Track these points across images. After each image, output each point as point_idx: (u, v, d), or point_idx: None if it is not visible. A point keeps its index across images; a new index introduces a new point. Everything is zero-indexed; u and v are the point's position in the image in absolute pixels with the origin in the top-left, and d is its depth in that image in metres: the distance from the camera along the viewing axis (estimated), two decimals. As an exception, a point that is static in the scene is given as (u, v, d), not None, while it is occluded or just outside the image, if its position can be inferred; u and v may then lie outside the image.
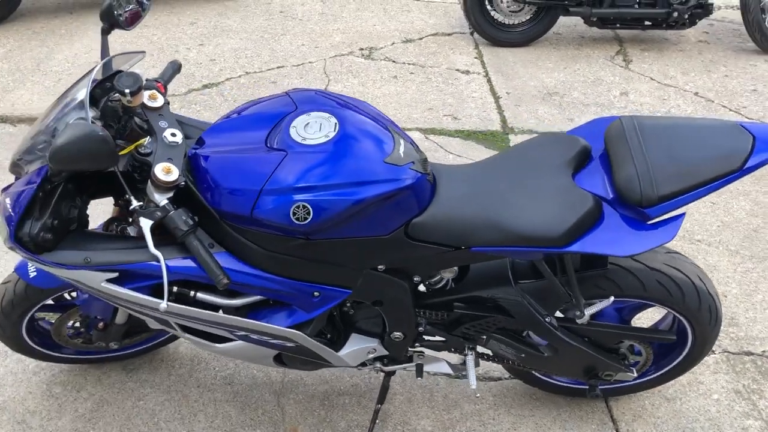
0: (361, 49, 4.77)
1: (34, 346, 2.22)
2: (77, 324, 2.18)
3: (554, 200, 1.69)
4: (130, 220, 1.78)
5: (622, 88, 4.37)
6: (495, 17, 4.78)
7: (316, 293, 1.76)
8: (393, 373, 2.15)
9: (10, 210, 1.62)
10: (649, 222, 1.63)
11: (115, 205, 1.89)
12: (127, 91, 1.69)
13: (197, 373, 2.41)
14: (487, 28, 4.77)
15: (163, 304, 1.63)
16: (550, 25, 4.80)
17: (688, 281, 1.89)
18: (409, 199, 1.67)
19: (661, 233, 1.60)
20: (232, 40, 4.82)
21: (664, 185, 1.60)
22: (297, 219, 1.59)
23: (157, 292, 1.74)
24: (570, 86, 4.38)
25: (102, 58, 1.92)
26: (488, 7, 4.74)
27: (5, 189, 1.72)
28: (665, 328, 2.09)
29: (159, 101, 1.77)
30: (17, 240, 1.62)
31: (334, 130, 1.66)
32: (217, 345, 1.92)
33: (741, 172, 1.59)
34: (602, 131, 1.84)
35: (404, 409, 2.30)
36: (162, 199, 1.60)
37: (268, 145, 1.67)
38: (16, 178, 1.81)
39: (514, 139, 3.77)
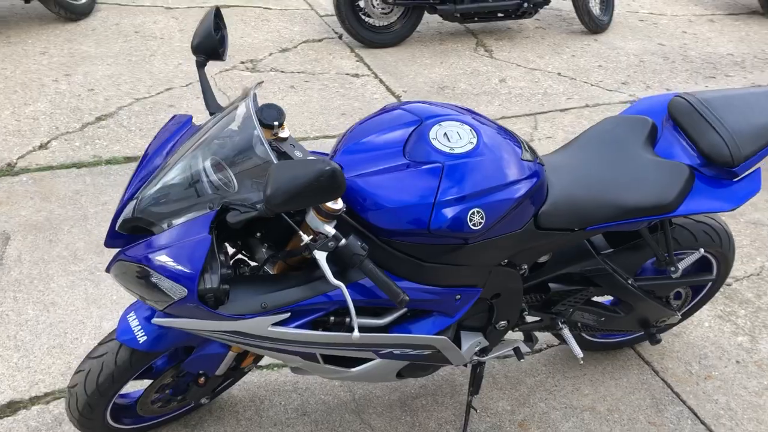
0: (242, 62, 4.67)
1: (113, 424, 2.00)
2: (164, 388, 2.00)
3: (652, 173, 1.92)
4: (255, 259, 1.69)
5: (498, 76, 4.78)
6: (367, 21, 4.93)
7: (457, 296, 1.83)
8: (484, 363, 2.26)
9: (182, 267, 1.48)
10: (736, 179, 1.93)
11: (233, 246, 1.78)
12: (275, 123, 1.63)
13: (266, 412, 2.31)
14: (361, 32, 4.92)
15: (356, 333, 1.60)
16: (417, 24, 5.07)
17: (721, 227, 2.24)
18: (541, 191, 1.80)
19: (750, 185, 1.91)
20: (99, 66, 4.45)
21: (746, 146, 1.90)
22: (473, 225, 1.65)
23: (315, 326, 1.70)
24: (454, 79, 4.70)
25: (204, 92, 1.81)
26: (360, 12, 4.88)
27: (134, 247, 1.55)
28: (699, 271, 2.42)
29: (286, 131, 1.72)
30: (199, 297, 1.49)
31: (474, 136, 1.73)
32: (351, 370, 1.90)
33: None
34: (654, 109, 2.11)
35: (478, 397, 2.41)
36: (331, 229, 1.56)
37: (410, 159, 1.69)
38: (127, 237, 1.65)
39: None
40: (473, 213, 1.65)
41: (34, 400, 2.29)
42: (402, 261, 1.71)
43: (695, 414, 2.43)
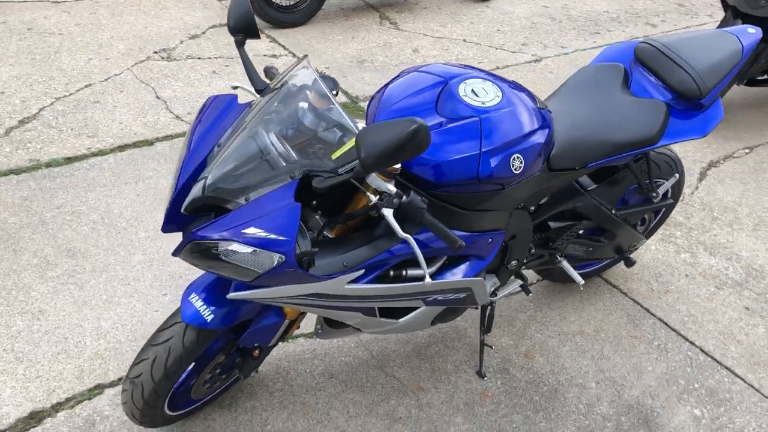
0: (155, 52, 4.55)
1: (168, 412, 2.03)
2: (216, 368, 2.04)
3: (635, 111, 2.19)
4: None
5: (410, 47, 4.97)
6: (274, 1, 4.95)
7: (490, 240, 2.01)
8: (495, 302, 2.46)
9: (276, 235, 1.55)
10: (702, 110, 2.24)
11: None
12: (334, 92, 1.71)
13: (294, 381, 2.40)
14: (271, 13, 4.93)
15: (428, 280, 1.74)
16: (323, 1, 5.14)
17: (676, 156, 2.57)
18: (553, 136, 2.02)
19: (716, 113, 2.22)
20: (1, 68, 4.18)
21: (709, 79, 2.21)
22: (515, 169, 1.83)
23: (381, 280, 1.82)
24: (370, 52, 4.84)
25: (247, 70, 1.85)
26: (268, -8, 4.90)
27: (209, 226, 1.59)
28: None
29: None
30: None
31: (498, 90, 1.90)
32: (399, 321, 2.03)
33: (743, 59, 2.28)
34: (620, 56, 2.38)
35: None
36: (393, 188, 1.68)
37: (444, 116, 1.84)
38: (182, 220, 1.67)
39: (364, 106, 4.11)
40: (514, 158, 1.82)
41: (57, 407, 2.24)
42: (446, 211, 1.86)
43: (665, 323, 2.77)
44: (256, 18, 5.04)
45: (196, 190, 1.66)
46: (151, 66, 4.36)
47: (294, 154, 1.64)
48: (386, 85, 2.00)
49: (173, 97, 4.03)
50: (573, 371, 2.53)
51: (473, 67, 2.02)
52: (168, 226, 1.74)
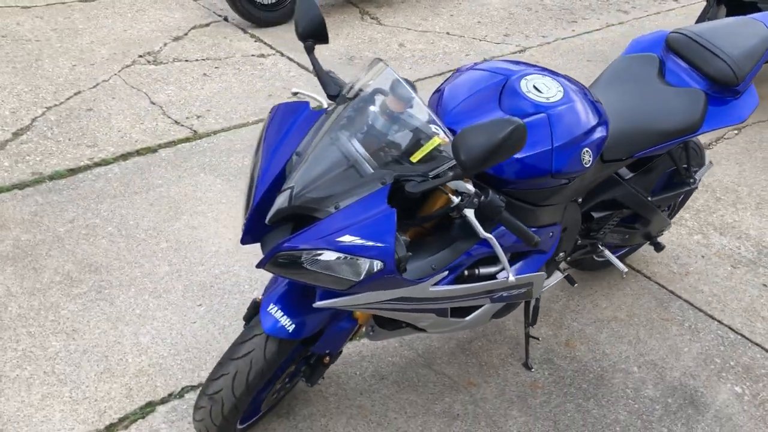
0: (140, 56, 4.44)
1: (239, 426, 2.00)
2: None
3: (676, 100, 2.24)
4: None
5: (395, 42, 4.97)
6: (258, 0, 4.88)
7: (551, 233, 2.04)
8: (540, 295, 2.48)
9: (374, 242, 1.54)
10: (738, 96, 2.31)
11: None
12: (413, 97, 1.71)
13: (347, 384, 2.39)
14: (253, 11, 4.86)
15: (512, 277, 1.75)
16: (305, -2, 5.08)
17: (700, 142, 2.64)
18: (608, 127, 2.05)
19: (751, 99, 2.29)
20: (-19, 78, 4.02)
21: (744, 66, 2.28)
22: (585, 163, 1.86)
23: (458, 281, 1.82)
24: (357, 48, 4.82)
25: (318, 76, 1.82)
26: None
27: (299, 236, 1.57)
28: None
29: None
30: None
31: (559, 85, 1.93)
32: (465, 319, 2.04)
33: None
34: (651, 46, 2.43)
35: (519, 328, 2.65)
36: (472, 187, 1.68)
37: (510, 113, 1.85)
38: (261, 232, 1.65)
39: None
40: (584, 153, 1.85)
41: (111, 429, 2.18)
42: (515, 207, 1.87)
43: (692, 304, 2.85)
44: (238, 17, 4.96)
45: (281, 201, 1.63)
46: (138, 70, 4.24)
47: (380, 160, 1.62)
48: (443, 86, 1.99)
49: (168, 102, 3.93)
50: (614, 357, 2.58)
51: (527, 63, 2.03)
52: (246, 237, 1.71)
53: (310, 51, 1.83)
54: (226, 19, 5.05)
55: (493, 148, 1.45)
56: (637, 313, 2.78)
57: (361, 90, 1.74)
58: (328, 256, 1.56)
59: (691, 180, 2.50)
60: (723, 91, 2.30)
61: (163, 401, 2.27)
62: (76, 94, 3.94)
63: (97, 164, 3.38)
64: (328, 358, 1.99)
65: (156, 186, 3.26)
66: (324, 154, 1.64)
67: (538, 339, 2.58)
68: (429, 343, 2.56)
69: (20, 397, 2.24)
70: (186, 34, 4.78)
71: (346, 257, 1.56)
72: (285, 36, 4.88)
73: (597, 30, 5.46)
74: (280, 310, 1.79)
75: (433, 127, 1.70)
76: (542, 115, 1.83)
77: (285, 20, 5.06)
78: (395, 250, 1.56)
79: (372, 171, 1.61)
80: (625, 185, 2.38)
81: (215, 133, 3.72)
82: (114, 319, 2.55)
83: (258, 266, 1.69)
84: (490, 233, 1.70)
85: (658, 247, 2.74)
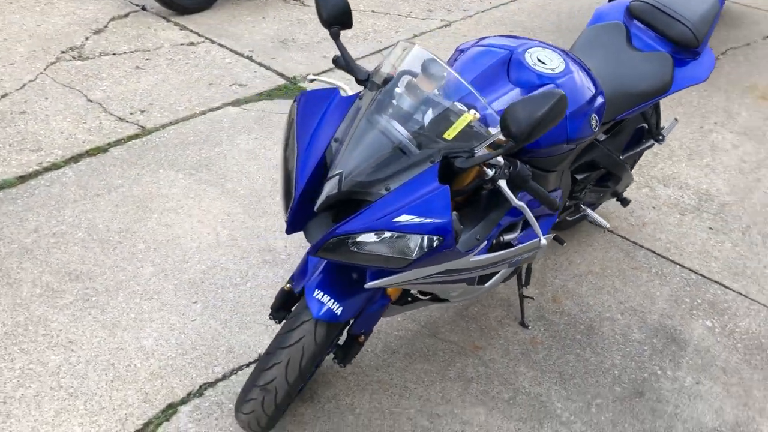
0: (63, 52, 4.21)
1: None
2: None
3: (648, 64, 2.42)
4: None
5: (324, 22, 4.96)
6: (178, -14, 4.73)
7: (557, 198, 2.17)
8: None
9: (432, 218, 1.60)
10: (697, 57, 2.51)
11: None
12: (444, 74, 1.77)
13: (362, 362, 2.45)
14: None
15: (543, 240, 1.86)
16: (225, -17, 4.98)
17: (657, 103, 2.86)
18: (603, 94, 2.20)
19: (710, 59, 2.50)
20: None
21: (702, 29, 2.48)
22: (594, 128, 1.99)
23: (490, 250, 1.92)
24: (288, 31, 4.78)
25: (346, 62, 1.83)
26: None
27: (352, 220, 1.61)
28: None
29: None
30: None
31: (559, 56, 2.05)
32: (485, 285, 2.15)
33: (720, 7, 2.56)
34: (614, 15, 2.59)
35: (508, 290, 2.79)
36: (501, 159, 1.78)
37: (518, 85, 1.96)
38: (303, 219, 1.68)
39: (308, 85, 4.10)
40: (592, 118, 1.98)
41: (137, 435, 2.13)
42: (534, 175, 1.98)
43: (654, 252, 3.09)
44: (158, 5, 4.79)
45: (330, 187, 1.65)
46: (66, 67, 4.03)
47: (420, 140, 1.67)
48: (451, 63, 2.06)
49: (106, 99, 3.77)
50: (598, 307, 2.77)
51: (523, 37, 2.14)
52: (291, 227, 1.73)
53: (336, 37, 1.84)
54: (144, 9, 4.86)
55: (541, 119, 1.55)
56: (609, 265, 2.99)
57: (389, 73, 1.78)
58: (387, 236, 1.61)
59: (660, 137, 2.70)
60: (685, 54, 2.50)
61: (184, 401, 2.25)
62: (2, 96, 3.70)
63: (48, 169, 3.21)
64: (362, 338, 2.03)
65: (116, 186, 3.14)
66: (367, 138, 1.68)
67: (532, 298, 2.73)
68: (429, 314, 2.65)
69: (32, 416, 2.15)
70: (106, 27, 4.57)
71: (403, 236, 1.61)
72: (210, 22, 4.77)
73: (512, 1, 5.66)
74: (326, 295, 1.81)
75: (459, 105, 1.76)
76: (551, 85, 1.94)
77: (207, 6, 4.93)
78: (452, 224, 1.62)
79: (418, 151, 1.66)
80: (601, 147, 2.55)
81: (164, 127, 3.61)
82: (110, 326, 2.47)
83: (310, 253, 1.71)
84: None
85: (625, 202, 2.95)
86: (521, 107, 1.56)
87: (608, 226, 2.67)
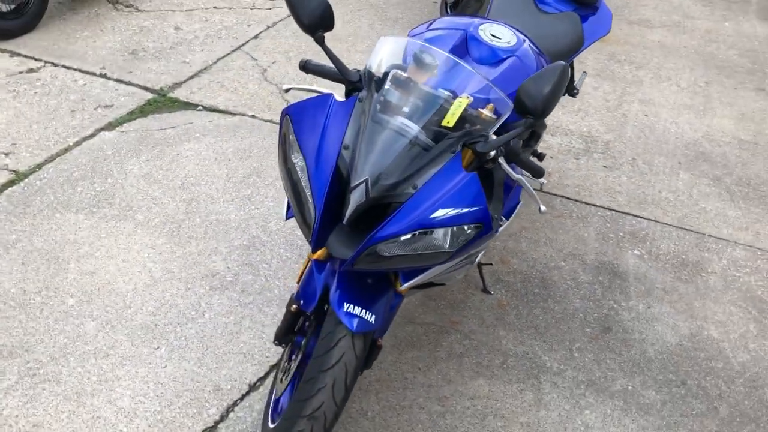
0: None
1: None
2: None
3: (560, 24, 2.57)
4: None
5: (168, 25, 4.68)
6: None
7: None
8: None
9: (469, 208, 1.62)
10: (597, 11, 2.70)
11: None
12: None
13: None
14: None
15: (543, 207, 1.94)
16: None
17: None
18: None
19: (607, 11, 2.70)
20: None
21: None
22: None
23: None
24: (135, 41, 4.45)
25: (336, 65, 1.76)
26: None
27: (387, 224, 1.62)
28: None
29: None
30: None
31: (509, 29, 2.12)
32: (475, 261, 2.20)
33: None
34: None
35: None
36: (494, 136, 1.84)
37: (480, 63, 2.02)
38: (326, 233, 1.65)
39: (176, 96, 3.88)
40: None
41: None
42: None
43: (568, 198, 3.32)
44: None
45: (358, 197, 1.60)
46: None
47: (430, 132, 1.67)
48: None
49: (-42, 146, 3.31)
50: (542, 259, 2.94)
51: (467, 15, 2.18)
52: (317, 245, 1.66)
53: (321, 42, 1.76)
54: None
55: (553, 92, 1.61)
56: (536, 219, 3.16)
57: (382, 70, 1.74)
58: (425, 233, 1.60)
59: (575, 90, 2.87)
60: (586, 10, 2.68)
61: (191, 454, 2.09)
62: None
63: None
64: (380, 340, 2.00)
65: (13, 243, 2.79)
66: (381, 140, 1.64)
67: (491, 264, 2.82)
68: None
69: None
70: None
71: (444, 231, 1.61)
72: (43, 44, 4.31)
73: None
74: (356, 306, 1.76)
75: (446, 92, 1.77)
76: (513, 58, 2.01)
77: (31, 26, 4.43)
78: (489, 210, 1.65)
79: (436, 144, 1.66)
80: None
81: (39, 167, 3.25)
82: (74, 396, 2.22)
83: (344, 268, 1.65)
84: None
85: (541, 157, 3.12)
86: (533, 84, 1.61)
87: (545, 182, 2.81)
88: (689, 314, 2.73)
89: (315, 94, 1.80)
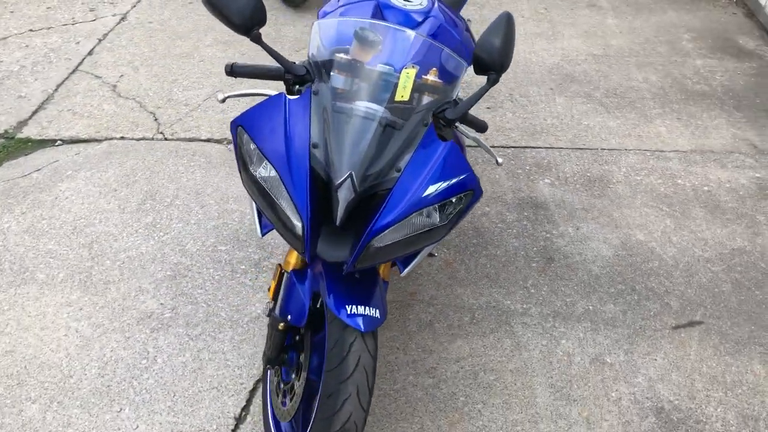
0: None
1: None
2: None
3: None
4: None
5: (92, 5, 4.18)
6: None
7: None
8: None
9: (462, 175, 1.60)
10: None
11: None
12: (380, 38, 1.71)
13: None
14: None
15: (500, 159, 1.96)
16: None
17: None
18: None
19: None
20: None
21: None
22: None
23: None
24: None
25: (280, 61, 1.65)
26: None
27: (382, 214, 1.57)
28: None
29: None
30: None
31: (420, -6, 2.09)
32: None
33: None
34: None
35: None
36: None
37: (389, 24, 1.99)
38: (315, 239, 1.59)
39: (28, 134, 3.49)
40: (471, 41, 2.07)
41: None
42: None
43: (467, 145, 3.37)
44: None
45: (346, 194, 1.52)
46: None
47: (395, 110, 1.61)
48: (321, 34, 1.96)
49: None
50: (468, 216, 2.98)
51: None
52: (310, 255, 1.56)
53: (258, 40, 1.62)
54: None
55: (509, 42, 1.61)
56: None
57: (327, 58, 1.64)
58: (425, 212, 1.55)
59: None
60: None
61: (204, 508, 1.93)
62: None
63: None
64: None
65: None
66: (352, 130, 1.56)
67: (428, 228, 2.81)
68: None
69: None
70: None
71: (436, 206, 1.57)
72: None
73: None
74: (359, 306, 1.69)
75: (386, 67, 1.72)
76: (431, 18, 1.98)
77: None
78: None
79: (406, 121, 1.60)
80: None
81: None
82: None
83: (347, 269, 1.57)
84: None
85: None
86: (486, 41, 1.59)
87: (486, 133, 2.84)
88: (613, 225, 2.89)
89: (261, 98, 1.67)
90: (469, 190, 1.61)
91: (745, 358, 2.35)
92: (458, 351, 2.37)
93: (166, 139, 3.43)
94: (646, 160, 3.26)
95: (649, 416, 2.17)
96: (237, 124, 1.62)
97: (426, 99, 1.70)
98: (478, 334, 2.43)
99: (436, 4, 2.06)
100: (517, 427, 2.14)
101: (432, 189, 1.56)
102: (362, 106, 1.60)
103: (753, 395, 2.24)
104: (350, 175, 1.52)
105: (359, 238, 1.56)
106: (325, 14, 2.00)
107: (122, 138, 3.44)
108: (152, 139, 3.43)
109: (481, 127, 1.92)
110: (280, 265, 1.92)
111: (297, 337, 1.88)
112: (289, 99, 1.63)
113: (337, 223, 1.54)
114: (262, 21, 1.65)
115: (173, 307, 2.53)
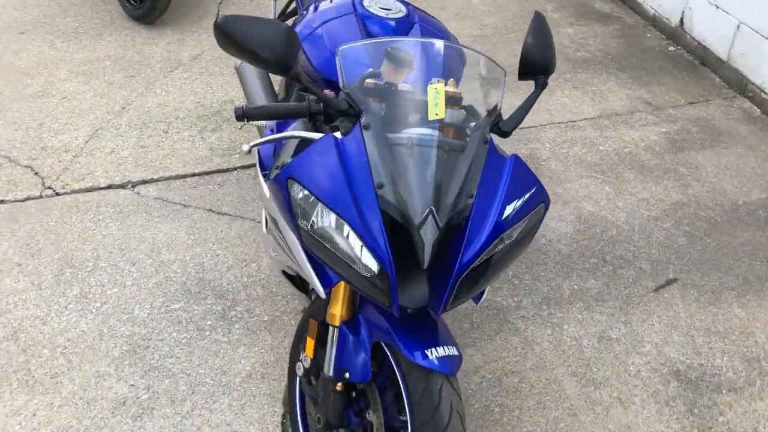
0: None
1: None
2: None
3: None
4: None
5: None
6: None
7: None
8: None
9: (527, 193, 1.54)
10: None
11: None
12: None
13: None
14: None
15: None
16: None
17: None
18: None
19: None
20: None
21: None
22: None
23: None
24: None
25: (319, 97, 1.45)
26: None
27: (468, 248, 1.45)
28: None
29: None
30: None
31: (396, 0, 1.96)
32: None
33: None
34: None
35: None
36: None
37: (372, 34, 1.87)
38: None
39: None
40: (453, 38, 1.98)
41: None
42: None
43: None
44: None
45: (431, 233, 1.39)
46: None
47: (449, 133, 1.50)
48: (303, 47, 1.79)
49: None
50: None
51: None
52: (398, 306, 1.41)
53: (299, 78, 1.39)
54: None
55: (547, 40, 1.56)
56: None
57: (362, 86, 1.47)
58: (508, 234, 1.45)
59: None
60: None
61: None
62: None
63: None
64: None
65: None
66: (415, 162, 1.42)
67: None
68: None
69: None
70: None
71: (518, 224, 1.48)
72: None
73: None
74: (437, 348, 1.55)
75: (408, 87, 1.59)
76: (416, 25, 1.87)
77: None
78: None
79: (464, 142, 1.48)
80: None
81: None
82: None
83: (440, 312, 1.43)
84: None
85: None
86: (531, 44, 1.52)
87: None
88: (561, 202, 2.95)
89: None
90: (541, 201, 1.53)
91: (725, 304, 2.50)
92: (473, 361, 2.29)
93: (57, 194, 2.99)
94: (563, 133, 3.35)
95: (671, 381, 2.23)
96: (287, 176, 1.40)
97: (470, 111, 1.59)
98: (483, 338, 2.37)
99: (413, 8, 1.94)
100: (560, 424, 2.11)
101: (509, 210, 1.45)
102: (415, 133, 1.45)
103: (746, 338, 2.38)
104: (431, 212, 1.37)
105: (444, 276, 1.41)
106: (303, 35, 1.80)
107: (2, 202, 2.95)
108: (41, 197, 2.97)
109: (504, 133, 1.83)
110: (312, 318, 1.72)
111: (353, 394, 1.70)
112: (340, 139, 1.43)
113: (425, 265, 1.38)
114: (296, 52, 1.43)
115: (147, 386, 2.21)
